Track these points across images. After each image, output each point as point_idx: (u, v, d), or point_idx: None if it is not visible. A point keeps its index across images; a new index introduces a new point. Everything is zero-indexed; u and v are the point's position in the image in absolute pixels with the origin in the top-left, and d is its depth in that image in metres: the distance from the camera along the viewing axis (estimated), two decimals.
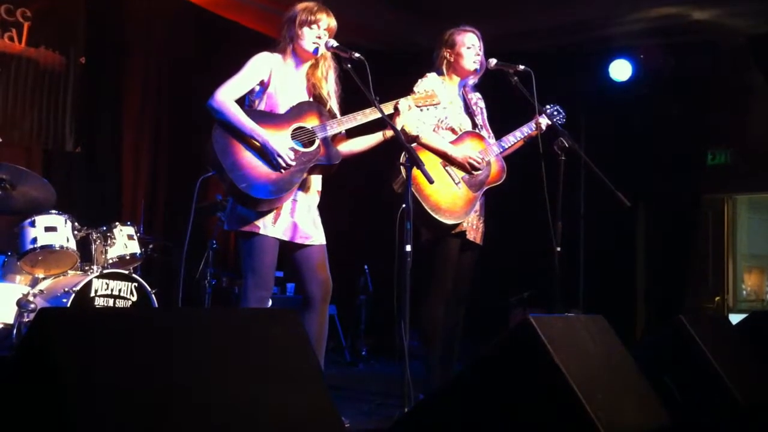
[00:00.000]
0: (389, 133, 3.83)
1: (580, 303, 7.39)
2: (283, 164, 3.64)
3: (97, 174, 6.89)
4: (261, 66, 3.81)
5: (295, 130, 3.73)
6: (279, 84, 3.82)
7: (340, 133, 3.90)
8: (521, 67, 4.38)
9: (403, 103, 3.87)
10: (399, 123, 3.85)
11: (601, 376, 2.83)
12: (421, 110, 3.98)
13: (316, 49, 3.82)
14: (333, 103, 3.90)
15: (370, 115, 3.79)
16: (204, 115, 3.71)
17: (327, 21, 3.82)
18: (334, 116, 3.86)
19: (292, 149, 3.68)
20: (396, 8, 7.58)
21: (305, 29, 3.80)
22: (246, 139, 3.65)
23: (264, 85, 3.81)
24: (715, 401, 3.42)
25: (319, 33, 3.80)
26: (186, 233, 7.00)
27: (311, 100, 3.88)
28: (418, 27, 7.57)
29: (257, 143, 3.64)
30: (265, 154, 3.64)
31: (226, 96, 3.68)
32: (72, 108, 6.65)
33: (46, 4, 6.49)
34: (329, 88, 3.89)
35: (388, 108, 3.82)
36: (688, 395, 3.47)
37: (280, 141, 3.66)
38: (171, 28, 7.46)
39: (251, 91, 3.81)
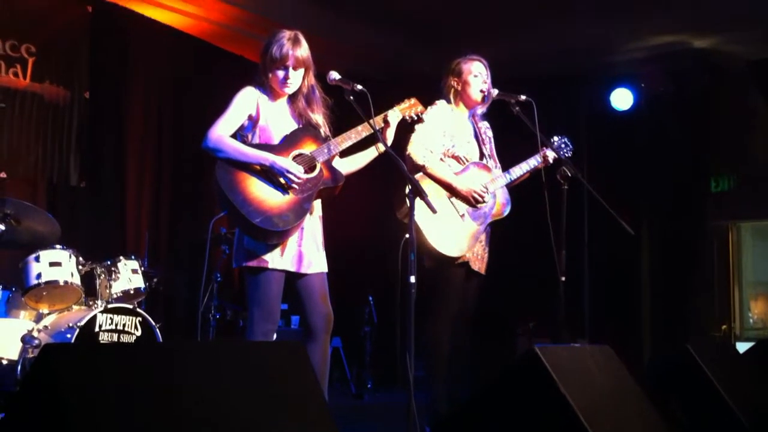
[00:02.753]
0: (382, 147, 3.85)
1: (586, 332, 7.35)
2: (295, 179, 3.62)
3: (101, 208, 6.90)
4: (248, 99, 3.77)
5: (294, 157, 3.72)
6: (269, 116, 3.79)
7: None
8: (522, 97, 4.37)
9: (392, 114, 3.96)
10: (390, 134, 3.96)
11: (608, 406, 2.82)
12: (410, 120, 4.07)
13: (289, 89, 3.80)
14: (324, 128, 3.90)
15: (363, 132, 3.83)
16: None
17: (295, 57, 3.72)
18: (328, 138, 3.86)
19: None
20: (399, 36, 7.63)
21: (276, 71, 3.75)
22: (251, 168, 3.61)
23: (253, 119, 3.78)
24: (721, 426, 3.40)
25: (287, 73, 3.74)
26: (190, 266, 7.05)
27: (303, 125, 3.86)
28: (422, 54, 7.61)
29: (264, 167, 3.61)
30: (274, 177, 3.61)
31: (221, 133, 3.65)
32: (76, 142, 6.68)
33: (51, 40, 6.55)
34: (316, 117, 3.87)
35: (378, 122, 3.89)
36: (695, 420, 3.46)
37: (286, 161, 3.65)
38: (174, 61, 7.51)
39: (241, 127, 3.76)
